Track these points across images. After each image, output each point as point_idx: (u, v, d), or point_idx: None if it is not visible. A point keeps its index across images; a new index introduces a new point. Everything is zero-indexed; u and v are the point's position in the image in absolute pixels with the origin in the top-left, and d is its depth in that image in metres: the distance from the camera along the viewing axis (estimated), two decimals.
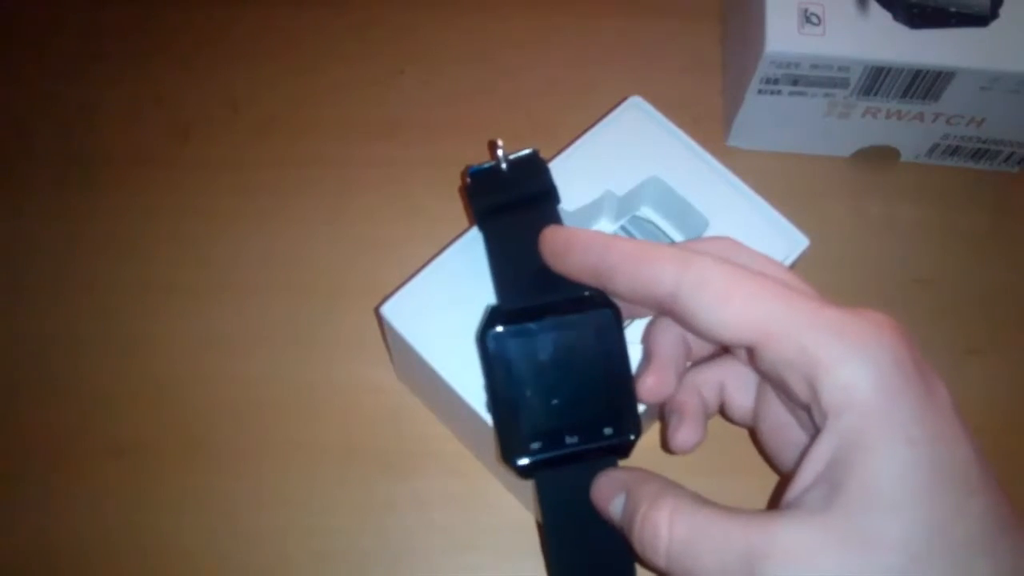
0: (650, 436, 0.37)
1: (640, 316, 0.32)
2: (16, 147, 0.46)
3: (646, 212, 0.38)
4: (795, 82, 0.42)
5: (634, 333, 0.31)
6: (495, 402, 0.30)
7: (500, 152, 0.33)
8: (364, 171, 0.45)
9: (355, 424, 0.40)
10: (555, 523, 0.30)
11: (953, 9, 0.40)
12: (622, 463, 0.29)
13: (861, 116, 0.43)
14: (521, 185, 0.33)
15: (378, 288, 0.35)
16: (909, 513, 0.22)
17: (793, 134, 0.45)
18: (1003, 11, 0.40)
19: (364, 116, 0.47)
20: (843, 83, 0.41)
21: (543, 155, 0.34)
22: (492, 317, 0.30)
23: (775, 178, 0.41)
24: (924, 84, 0.41)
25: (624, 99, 0.37)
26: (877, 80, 0.41)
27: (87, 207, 0.44)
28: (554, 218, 0.32)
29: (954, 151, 0.45)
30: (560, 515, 0.29)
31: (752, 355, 0.25)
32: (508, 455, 0.29)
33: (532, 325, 0.29)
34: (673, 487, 0.26)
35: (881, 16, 0.40)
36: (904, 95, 0.42)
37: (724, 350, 0.30)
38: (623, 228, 0.38)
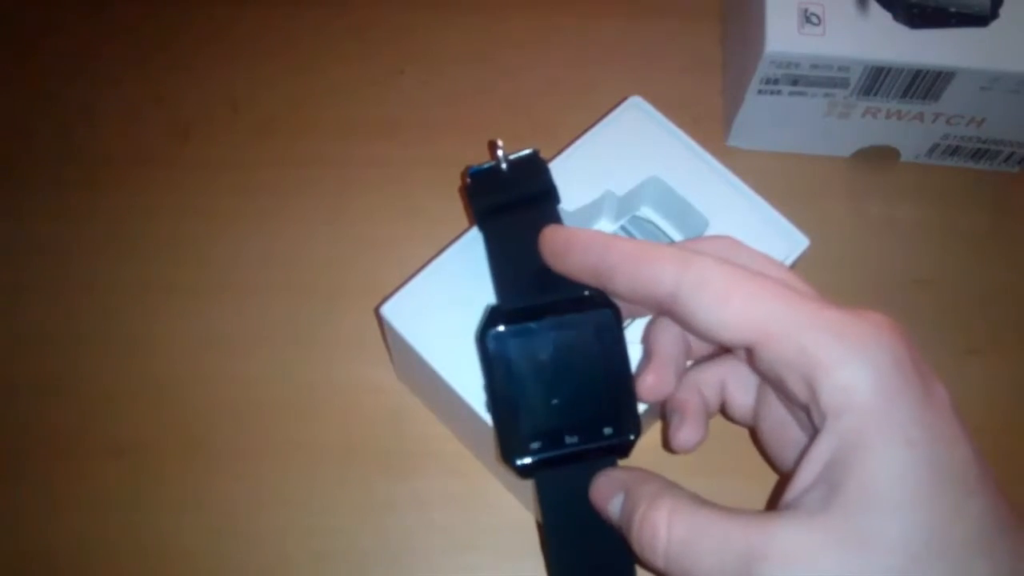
0: (650, 436, 0.37)
1: (640, 316, 0.32)
2: (16, 147, 0.46)
3: (646, 212, 0.38)
4: (795, 82, 0.42)
5: (634, 333, 0.31)
6: (495, 402, 0.30)
7: (500, 152, 0.33)
8: (364, 171, 0.45)
9: (355, 424, 0.40)
10: (555, 523, 0.30)
11: (953, 9, 0.40)
12: (622, 463, 0.29)
13: (861, 116, 0.43)
14: (521, 185, 0.33)
15: (378, 288, 0.35)
16: (908, 514, 0.22)
17: (793, 134, 0.45)
18: (1003, 11, 0.40)
19: (364, 116, 0.47)
20: (843, 83, 0.41)
21: (543, 155, 0.34)
22: (492, 317, 0.30)
23: (775, 178, 0.41)
24: (924, 84, 0.41)
25: (624, 99, 0.37)
26: (877, 80, 0.41)
27: (87, 207, 0.44)
28: (554, 218, 0.32)
29: (954, 151, 0.45)
30: (560, 515, 0.29)
31: (751, 355, 0.25)
32: (508, 455, 0.29)
33: (532, 325, 0.29)
34: (672, 487, 0.26)
35: (881, 16, 0.40)
36: (904, 95, 0.42)
37: (724, 350, 0.30)
38: (623, 228, 0.38)
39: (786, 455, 0.28)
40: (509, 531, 0.38)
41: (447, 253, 0.34)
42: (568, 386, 0.29)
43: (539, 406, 0.29)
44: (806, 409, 0.24)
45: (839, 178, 0.46)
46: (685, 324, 0.26)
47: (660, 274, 0.26)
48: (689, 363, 0.30)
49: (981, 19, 0.40)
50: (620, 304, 0.29)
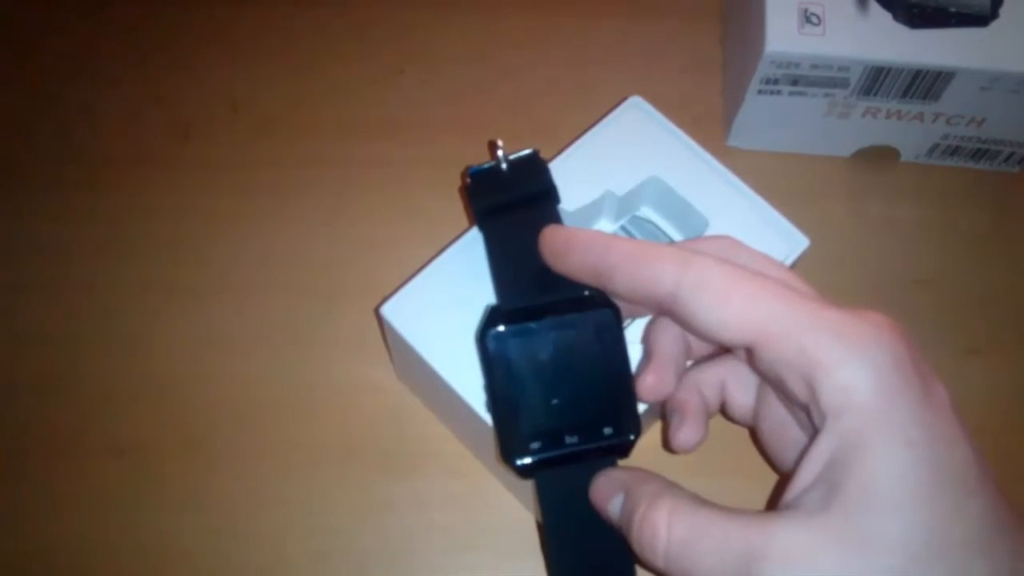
0: (650, 436, 0.37)
1: (640, 316, 0.32)
2: (16, 147, 0.46)
3: (646, 212, 0.38)
4: (795, 82, 0.42)
5: (634, 333, 0.31)
6: (495, 402, 0.30)
7: (500, 152, 0.33)
8: (364, 171, 0.45)
9: (355, 424, 0.40)
10: (555, 523, 0.30)
11: (953, 9, 0.40)
12: (622, 463, 0.29)
13: (861, 116, 0.43)
14: (521, 185, 0.33)
15: (378, 288, 0.35)
16: (908, 514, 0.22)
17: (793, 134, 0.45)
18: (1003, 11, 0.40)
19: (364, 116, 0.47)
20: (843, 83, 0.41)
21: (543, 155, 0.34)
22: (492, 317, 0.30)
23: (775, 178, 0.41)
24: (924, 84, 0.41)
25: (624, 99, 0.37)
26: (877, 80, 0.41)
27: (87, 207, 0.44)
28: (554, 218, 0.32)
29: (954, 151, 0.45)
30: (560, 515, 0.29)
31: (751, 355, 0.25)
32: (508, 455, 0.29)
33: (532, 325, 0.29)
34: (672, 487, 0.26)
35: (881, 16, 0.40)
36: (904, 95, 0.42)
37: (724, 350, 0.30)
38: (623, 228, 0.38)
39: (786, 455, 0.28)
40: (509, 531, 0.38)
41: (447, 253, 0.34)
42: (568, 386, 0.29)
43: (539, 406, 0.29)
44: (806, 409, 0.24)
45: (839, 178, 0.46)
46: (685, 324, 0.26)
47: (660, 274, 0.26)
48: (689, 363, 0.30)
49: (981, 19, 0.40)
50: (620, 304, 0.29)
